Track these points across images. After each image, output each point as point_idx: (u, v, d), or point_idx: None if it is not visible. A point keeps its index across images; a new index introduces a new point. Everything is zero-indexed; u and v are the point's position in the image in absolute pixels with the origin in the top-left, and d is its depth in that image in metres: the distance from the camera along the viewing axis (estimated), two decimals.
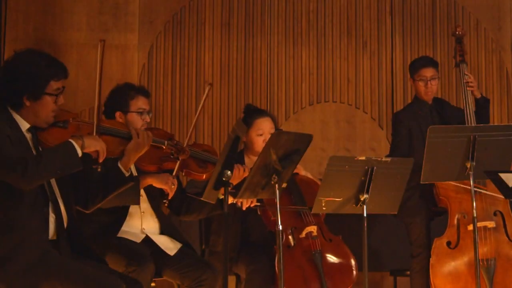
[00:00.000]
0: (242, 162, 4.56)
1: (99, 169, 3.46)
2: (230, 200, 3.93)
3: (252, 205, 4.31)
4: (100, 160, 3.44)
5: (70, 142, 3.34)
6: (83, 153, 3.37)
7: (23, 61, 3.40)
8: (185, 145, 3.96)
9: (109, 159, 3.60)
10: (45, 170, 3.25)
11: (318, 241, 4.47)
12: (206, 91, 4.04)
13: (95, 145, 3.42)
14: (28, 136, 3.42)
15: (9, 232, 3.27)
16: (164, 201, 4.09)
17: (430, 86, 5.13)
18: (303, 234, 4.48)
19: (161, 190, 4.13)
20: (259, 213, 4.49)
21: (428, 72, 5.14)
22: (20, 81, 3.35)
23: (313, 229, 4.49)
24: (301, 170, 4.71)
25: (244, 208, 4.30)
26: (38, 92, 3.37)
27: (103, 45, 3.49)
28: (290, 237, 4.46)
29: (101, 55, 3.50)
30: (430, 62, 5.24)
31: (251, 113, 4.67)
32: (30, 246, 3.28)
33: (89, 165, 3.46)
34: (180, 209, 4.35)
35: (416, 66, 5.20)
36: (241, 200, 4.21)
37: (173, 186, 4.04)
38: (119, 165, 3.72)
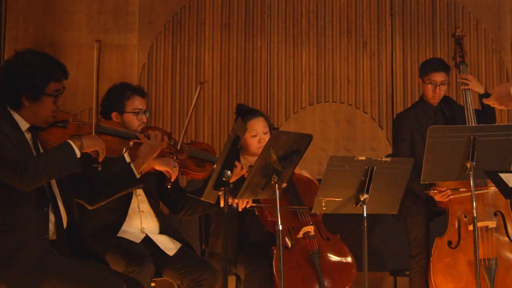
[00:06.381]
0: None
1: (99, 168, 3.46)
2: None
3: (248, 206, 4.30)
4: (100, 159, 3.44)
5: (68, 143, 3.33)
6: (83, 153, 3.37)
7: (23, 61, 3.40)
8: (179, 146, 3.94)
9: (119, 159, 3.61)
10: (44, 172, 3.25)
11: (315, 241, 4.46)
12: (198, 90, 4.02)
13: (94, 145, 3.42)
14: (28, 136, 3.42)
15: (10, 232, 3.27)
16: (167, 184, 4.04)
17: (439, 91, 5.02)
18: (300, 234, 4.47)
19: (162, 174, 4.08)
20: (256, 213, 4.48)
21: (439, 76, 5.01)
22: (19, 82, 3.35)
23: (310, 229, 4.48)
24: (296, 168, 4.69)
25: (240, 209, 4.29)
26: (37, 93, 3.37)
27: (99, 45, 3.49)
28: (286, 238, 4.45)
29: (98, 56, 3.50)
30: (442, 66, 5.06)
31: (243, 114, 4.61)
32: (31, 246, 3.28)
33: (90, 164, 3.45)
34: (176, 206, 4.35)
35: (427, 69, 5.06)
36: (236, 200, 4.20)
37: (175, 168, 4.00)
38: (132, 166, 3.73)
